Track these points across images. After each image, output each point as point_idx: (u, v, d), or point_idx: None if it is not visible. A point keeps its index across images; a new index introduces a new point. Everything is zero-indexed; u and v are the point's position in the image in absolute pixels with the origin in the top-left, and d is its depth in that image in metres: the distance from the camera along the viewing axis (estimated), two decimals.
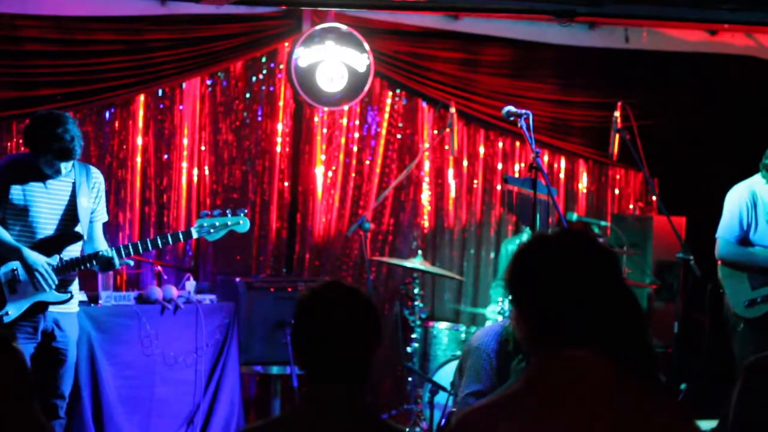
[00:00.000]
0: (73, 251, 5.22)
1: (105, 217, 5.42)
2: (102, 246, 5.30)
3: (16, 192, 5.13)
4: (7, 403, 2.42)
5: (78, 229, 5.22)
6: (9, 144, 6.56)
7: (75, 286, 5.29)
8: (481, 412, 2.16)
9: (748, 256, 5.96)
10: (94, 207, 5.30)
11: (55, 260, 5.14)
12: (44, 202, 5.16)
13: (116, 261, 5.17)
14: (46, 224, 5.17)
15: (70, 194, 5.21)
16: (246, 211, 5.58)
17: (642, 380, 2.15)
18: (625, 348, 2.14)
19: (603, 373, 2.12)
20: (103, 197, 5.37)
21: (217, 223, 5.46)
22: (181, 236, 5.45)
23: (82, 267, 5.19)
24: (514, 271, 2.22)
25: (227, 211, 5.53)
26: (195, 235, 5.45)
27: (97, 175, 5.36)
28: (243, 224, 5.53)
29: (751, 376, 3.01)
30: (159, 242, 5.35)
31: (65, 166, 5.11)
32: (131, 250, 5.26)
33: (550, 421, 2.09)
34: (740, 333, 5.83)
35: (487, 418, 2.13)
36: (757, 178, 6.16)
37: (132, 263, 5.41)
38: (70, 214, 5.21)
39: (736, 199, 6.12)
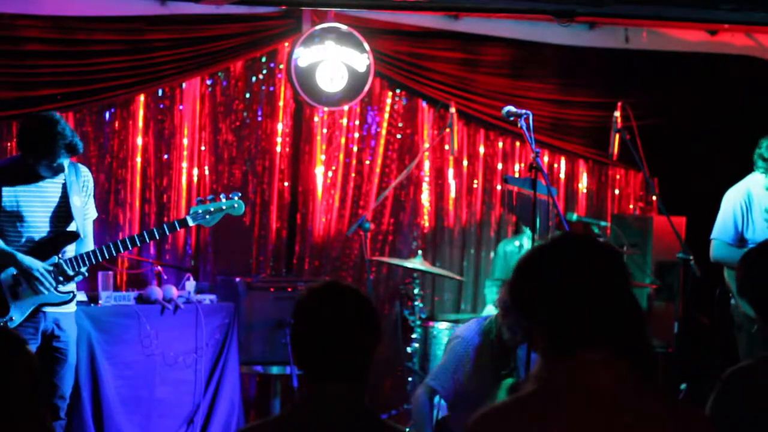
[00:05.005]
0: (70, 250, 5.22)
1: (94, 214, 5.43)
2: (91, 245, 5.31)
3: (8, 197, 5.13)
4: (16, 403, 2.42)
5: (72, 227, 5.22)
6: (9, 144, 6.56)
7: (73, 287, 5.29)
8: (494, 414, 2.15)
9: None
10: (84, 205, 5.30)
11: (53, 261, 5.13)
12: (37, 204, 5.16)
13: (68, 271, 5.13)
14: (41, 226, 5.17)
15: (61, 194, 5.21)
16: (240, 194, 5.58)
17: (651, 382, 2.15)
18: (629, 349, 2.13)
19: (616, 376, 2.11)
20: (92, 195, 5.38)
21: (212, 209, 5.45)
22: (177, 225, 5.43)
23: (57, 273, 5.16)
24: (520, 280, 2.20)
25: (221, 196, 5.52)
26: (191, 223, 5.43)
27: (86, 173, 5.37)
28: (238, 207, 5.53)
29: (725, 387, 3.02)
30: (156, 233, 5.34)
31: (65, 164, 5.11)
32: (129, 243, 5.26)
33: (565, 424, 2.08)
34: (753, 334, 5.81)
35: (500, 420, 2.13)
36: (753, 177, 6.17)
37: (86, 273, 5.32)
38: (63, 214, 5.21)
39: (730, 200, 6.14)
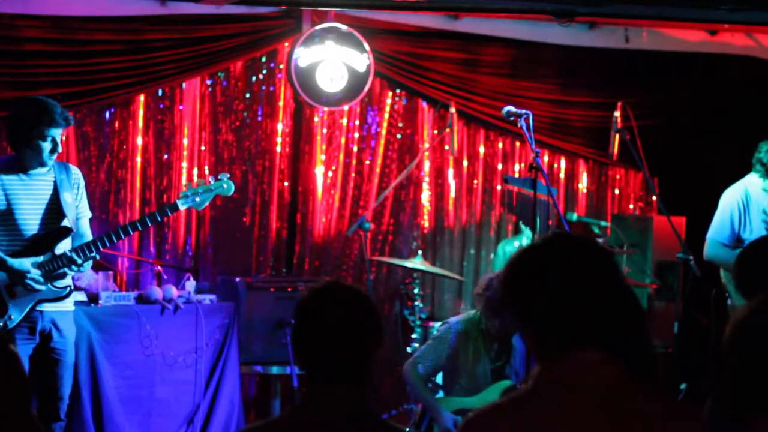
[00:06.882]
0: (64, 246, 5.19)
1: (89, 214, 5.40)
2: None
3: None
4: (2, 405, 2.41)
5: (64, 224, 5.20)
6: None
7: (69, 281, 5.26)
8: (488, 414, 2.14)
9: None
10: (77, 204, 5.29)
11: (48, 257, 5.10)
12: (27, 200, 5.13)
13: (76, 259, 5.11)
14: (31, 222, 5.13)
15: (52, 191, 5.18)
16: (228, 174, 5.56)
17: (651, 382, 2.14)
18: (628, 349, 2.13)
19: (613, 376, 2.11)
20: (84, 194, 5.35)
21: (201, 190, 5.44)
22: (168, 210, 5.39)
23: (59, 265, 5.14)
24: (512, 281, 2.20)
25: (210, 178, 5.52)
26: (181, 206, 5.40)
27: (77, 173, 5.35)
28: (227, 187, 5.51)
29: (719, 391, 3.01)
30: (147, 220, 5.31)
31: (59, 139, 5.08)
32: (121, 233, 5.22)
33: (564, 424, 2.07)
34: None
35: (494, 420, 2.12)
36: (751, 178, 6.17)
37: (97, 256, 5.30)
38: (55, 210, 5.18)
39: (728, 200, 6.14)
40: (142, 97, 6.96)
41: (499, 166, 7.92)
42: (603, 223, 7.73)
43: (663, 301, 7.24)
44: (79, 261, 5.10)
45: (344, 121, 7.47)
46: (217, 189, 5.48)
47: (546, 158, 7.95)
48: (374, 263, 7.36)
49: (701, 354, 6.64)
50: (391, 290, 7.56)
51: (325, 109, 7.35)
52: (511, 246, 7.35)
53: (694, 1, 7.24)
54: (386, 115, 7.60)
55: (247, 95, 7.23)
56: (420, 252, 7.01)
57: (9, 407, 2.41)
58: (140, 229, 5.40)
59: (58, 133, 5.09)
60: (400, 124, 7.65)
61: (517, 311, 2.19)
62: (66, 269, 5.12)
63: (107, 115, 6.90)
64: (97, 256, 5.25)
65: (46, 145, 5.08)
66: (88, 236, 5.30)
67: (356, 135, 7.52)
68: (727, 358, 2.24)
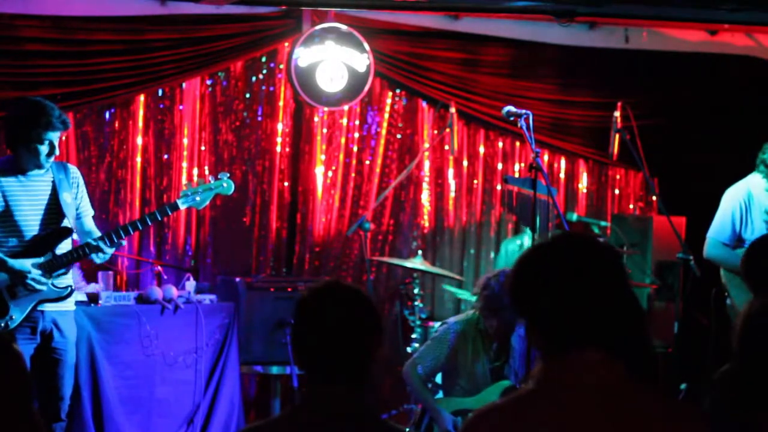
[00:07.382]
0: (65, 247, 5.19)
1: (91, 212, 5.39)
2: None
3: None
4: (5, 404, 2.41)
5: (64, 224, 5.20)
6: None
7: (70, 281, 5.26)
8: (489, 414, 2.15)
9: (735, 258, 5.93)
10: (78, 203, 5.28)
11: (48, 257, 5.11)
12: (26, 201, 5.12)
13: (104, 248, 5.11)
14: (31, 223, 5.12)
15: (51, 191, 5.18)
16: (228, 174, 5.56)
17: (651, 382, 2.15)
18: (629, 349, 2.13)
19: (613, 376, 2.11)
20: (84, 192, 5.35)
21: (201, 190, 5.44)
22: (168, 209, 5.38)
23: (75, 257, 5.14)
24: (518, 280, 2.21)
25: (210, 178, 5.52)
26: (182, 206, 5.39)
27: (75, 172, 5.34)
28: (227, 186, 5.51)
29: (718, 390, 3.01)
30: (148, 220, 5.31)
31: (56, 142, 5.08)
32: (122, 232, 5.21)
33: (564, 424, 2.08)
34: None
35: (495, 420, 2.13)
36: (754, 178, 6.16)
37: (124, 243, 5.32)
38: (54, 210, 5.17)
39: (730, 200, 6.13)
40: (142, 97, 6.96)
41: (499, 166, 7.92)
42: (603, 223, 7.73)
43: (663, 301, 7.24)
44: (108, 249, 5.11)
45: (344, 121, 7.47)
46: (217, 188, 5.48)
47: (546, 158, 7.95)
48: (374, 263, 7.36)
49: (701, 354, 6.64)
50: (391, 290, 7.56)
51: (325, 109, 7.35)
52: (513, 244, 7.36)
53: (694, 1, 7.23)
54: (386, 115, 7.60)
55: (247, 95, 7.23)
56: (420, 252, 7.02)
57: (11, 406, 2.41)
58: (140, 228, 5.41)
59: (55, 136, 5.08)
60: (400, 124, 7.66)
61: (522, 311, 2.20)
62: (93, 256, 5.12)
63: (107, 115, 6.90)
64: (124, 242, 5.26)
65: (44, 148, 5.07)
66: (96, 233, 5.29)
67: (356, 135, 7.52)
68: (734, 356, 2.24)
